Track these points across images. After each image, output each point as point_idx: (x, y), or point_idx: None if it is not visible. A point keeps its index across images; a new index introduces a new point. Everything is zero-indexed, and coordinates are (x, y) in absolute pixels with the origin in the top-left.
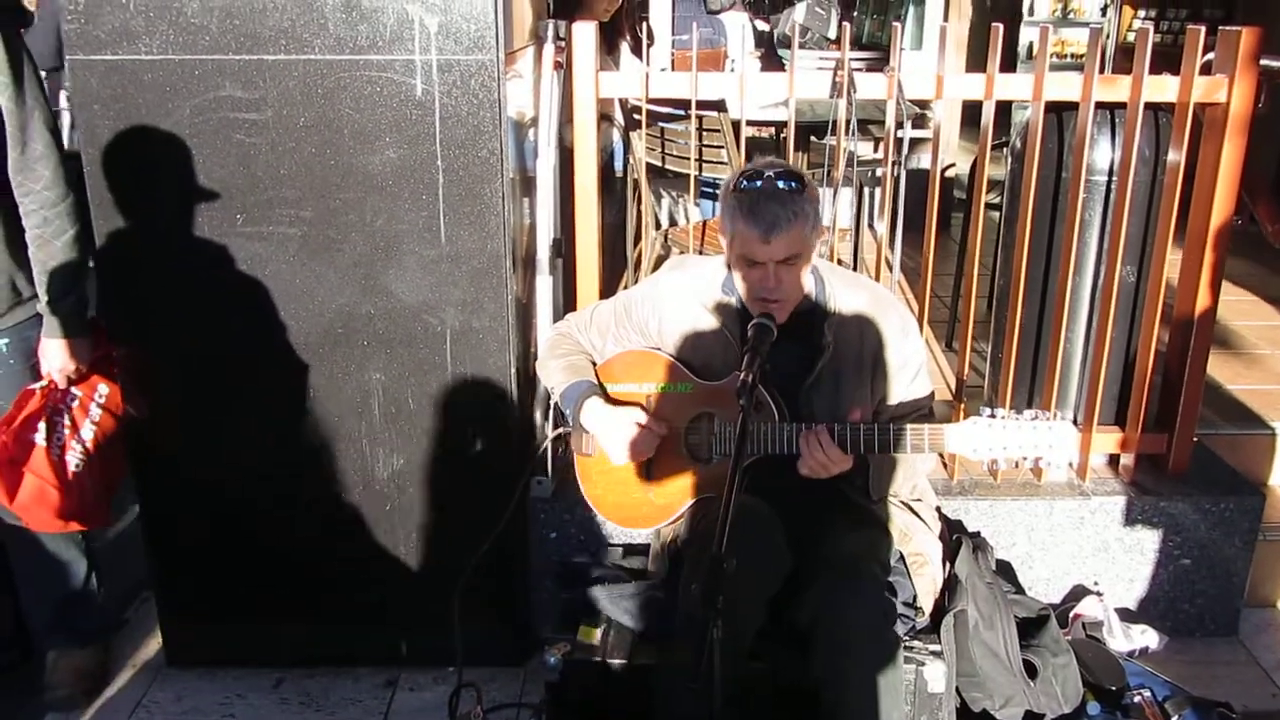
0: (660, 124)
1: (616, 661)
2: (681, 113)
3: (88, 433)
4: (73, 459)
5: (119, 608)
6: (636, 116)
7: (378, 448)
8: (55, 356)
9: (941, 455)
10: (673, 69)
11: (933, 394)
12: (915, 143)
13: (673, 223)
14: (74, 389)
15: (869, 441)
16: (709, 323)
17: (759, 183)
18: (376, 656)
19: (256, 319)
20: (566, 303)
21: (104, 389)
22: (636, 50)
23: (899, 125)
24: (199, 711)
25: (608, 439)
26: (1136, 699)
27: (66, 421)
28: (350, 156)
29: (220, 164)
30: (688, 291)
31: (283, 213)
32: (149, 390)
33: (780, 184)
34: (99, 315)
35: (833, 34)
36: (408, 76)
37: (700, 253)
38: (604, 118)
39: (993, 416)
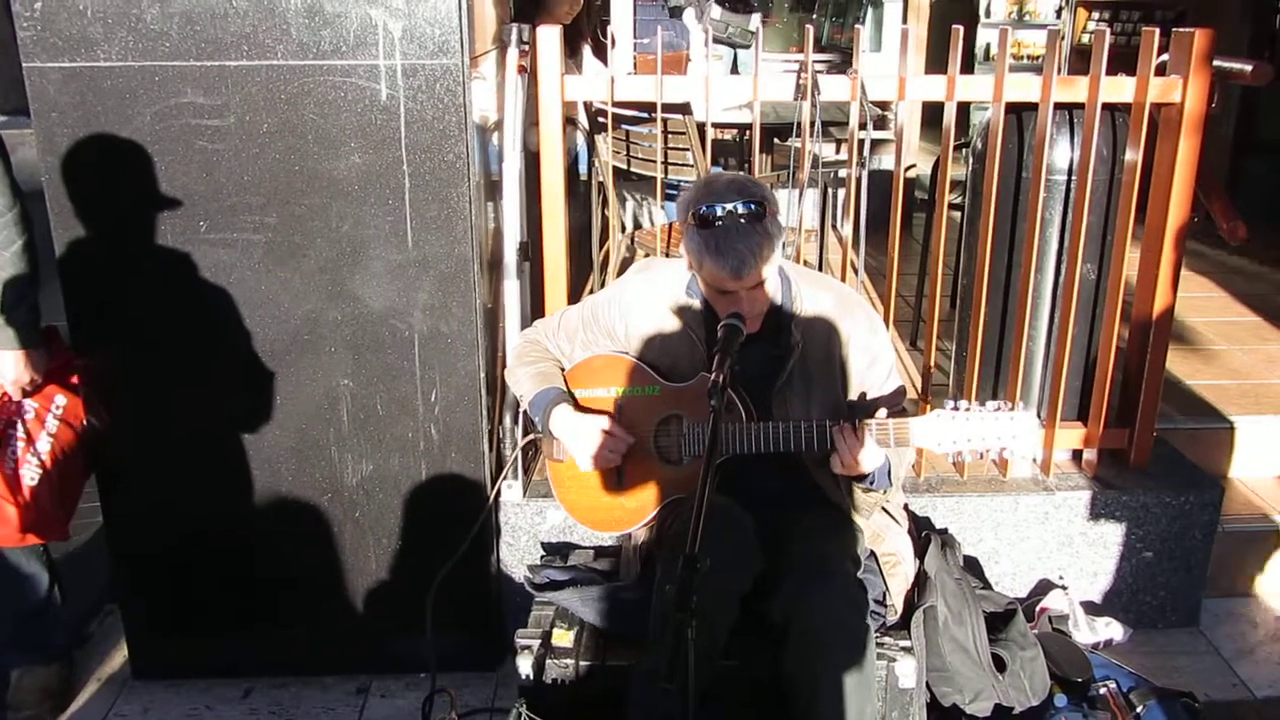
0: (624, 126)
1: (589, 663)
2: (645, 115)
3: (44, 445)
4: (28, 473)
5: (82, 622)
6: (601, 120)
7: (346, 454)
8: (8, 369)
9: None
10: (635, 72)
11: (903, 389)
12: (876, 144)
13: (637, 225)
14: (29, 401)
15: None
16: (675, 325)
17: (719, 211)
18: (347, 664)
19: (222, 326)
20: (534, 306)
21: (61, 400)
22: (598, 53)
23: (861, 126)
24: None
25: (575, 446)
26: (1102, 690)
27: (21, 434)
28: (315, 162)
29: (183, 171)
30: (653, 295)
31: (247, 219)
32: (113, 400)
33: (741, 210)
34: (54, 326)
35: (754, 27)
36: (372, 81)
37: (666, 255)
38: (568, 121)
39: (956, 409)
